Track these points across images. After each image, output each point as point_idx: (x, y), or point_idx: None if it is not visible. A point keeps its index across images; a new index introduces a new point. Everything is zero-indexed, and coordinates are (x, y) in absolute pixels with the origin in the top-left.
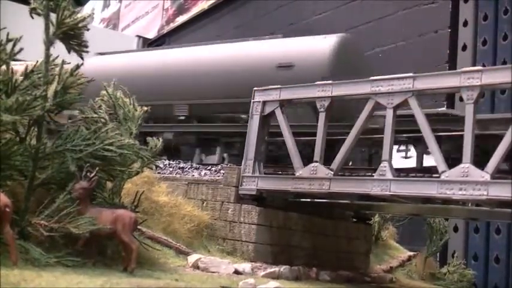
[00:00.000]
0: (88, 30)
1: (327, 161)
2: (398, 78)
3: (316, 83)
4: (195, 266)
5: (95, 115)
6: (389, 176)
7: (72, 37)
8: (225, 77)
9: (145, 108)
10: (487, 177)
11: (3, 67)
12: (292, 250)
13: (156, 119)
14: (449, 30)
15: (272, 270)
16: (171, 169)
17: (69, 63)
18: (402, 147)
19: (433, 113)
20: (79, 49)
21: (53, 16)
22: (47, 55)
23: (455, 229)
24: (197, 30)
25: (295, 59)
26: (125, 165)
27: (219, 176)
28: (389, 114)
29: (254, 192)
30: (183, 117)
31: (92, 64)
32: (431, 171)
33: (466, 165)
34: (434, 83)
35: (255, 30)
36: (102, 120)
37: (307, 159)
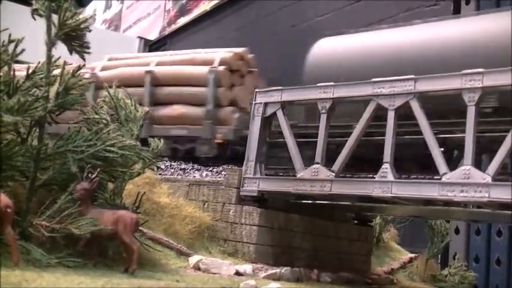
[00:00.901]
0: (90, 31)
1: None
2: (399, 80)
3: (317, 84)
4: (196, 267)
5: (97, 116)
6: (390, 177)
7: (74, 38)
8: None
9: (146, 109)
10: (489, 179)
11: (5, 68)
12: (293, 251)
13: (436, 114)
14: None
15: (273, 271)
16: (172, 170)
17: (71, 64)
18: None
19: None
20: (81, 50)
21: (54, 17)
22: (49, 56)
23: (457, 231)
24: (199, 32)
25: None
26: (126, 166)
27: (220, 178)
28: (390, 116)
29: (255, 194)
30: (489, 110)
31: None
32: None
33: (467, 167)
34: (436, 85)
35: (257, 31)
36: (104, 121)
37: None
